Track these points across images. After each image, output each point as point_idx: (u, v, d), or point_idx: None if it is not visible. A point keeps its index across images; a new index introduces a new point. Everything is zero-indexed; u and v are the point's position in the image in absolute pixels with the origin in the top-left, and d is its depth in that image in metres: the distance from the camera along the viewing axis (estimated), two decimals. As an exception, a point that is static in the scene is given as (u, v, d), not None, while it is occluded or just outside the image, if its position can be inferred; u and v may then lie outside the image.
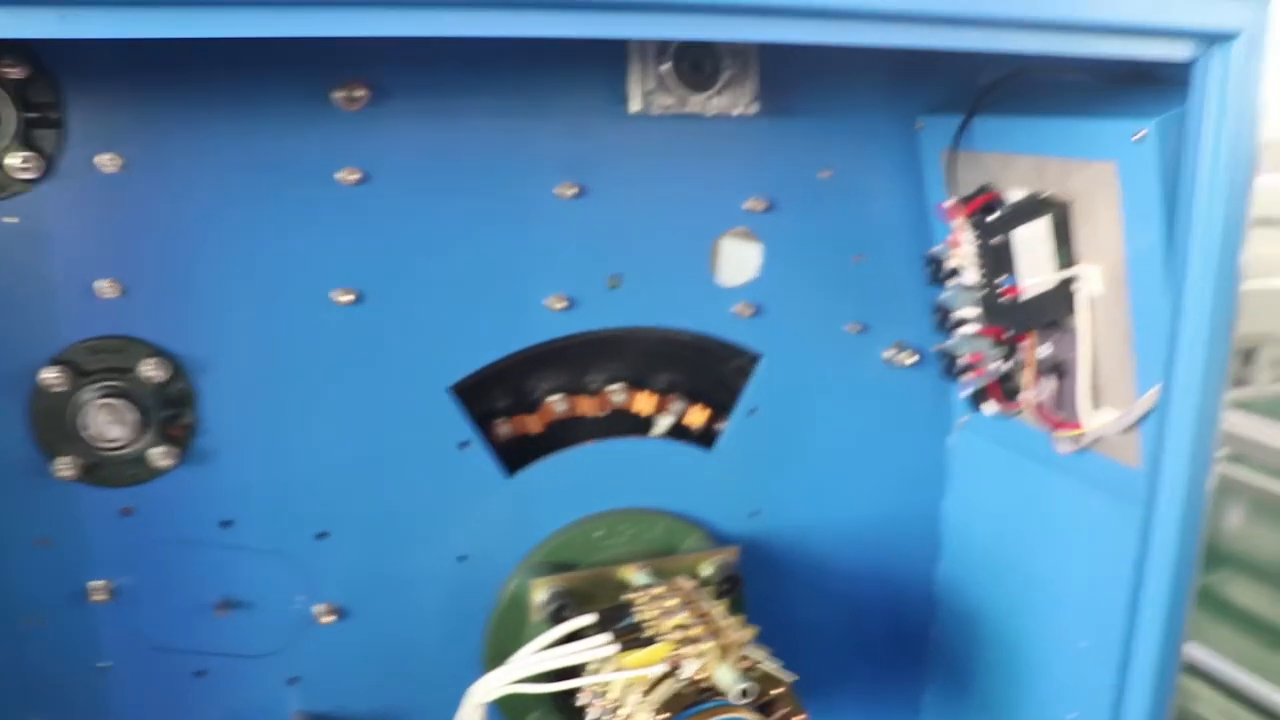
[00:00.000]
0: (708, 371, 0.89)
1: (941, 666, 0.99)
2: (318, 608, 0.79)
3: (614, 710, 0.72)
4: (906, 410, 0.93)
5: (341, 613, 0.79)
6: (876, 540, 0.95)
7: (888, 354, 0.92)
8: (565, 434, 0.85)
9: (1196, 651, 2.03)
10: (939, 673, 0.99)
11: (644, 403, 0.87)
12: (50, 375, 0.70)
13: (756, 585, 0.88)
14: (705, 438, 0.88)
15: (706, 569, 0.83)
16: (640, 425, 0.88)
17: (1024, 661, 0.90)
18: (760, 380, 0.88)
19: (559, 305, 0.80)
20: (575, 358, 0.84)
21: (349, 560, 0.79)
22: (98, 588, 0.75)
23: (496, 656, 0.77)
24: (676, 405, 0.87)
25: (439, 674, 0.82)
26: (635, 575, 0.82)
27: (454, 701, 0.78)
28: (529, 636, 0.78)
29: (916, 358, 0.91)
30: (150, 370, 0.71)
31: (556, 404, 0.85)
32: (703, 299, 0.85)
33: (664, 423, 0.88)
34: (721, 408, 0.88)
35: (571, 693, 0.80)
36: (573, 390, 0.86)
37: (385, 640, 0.81)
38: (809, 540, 0.92)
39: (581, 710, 0.80)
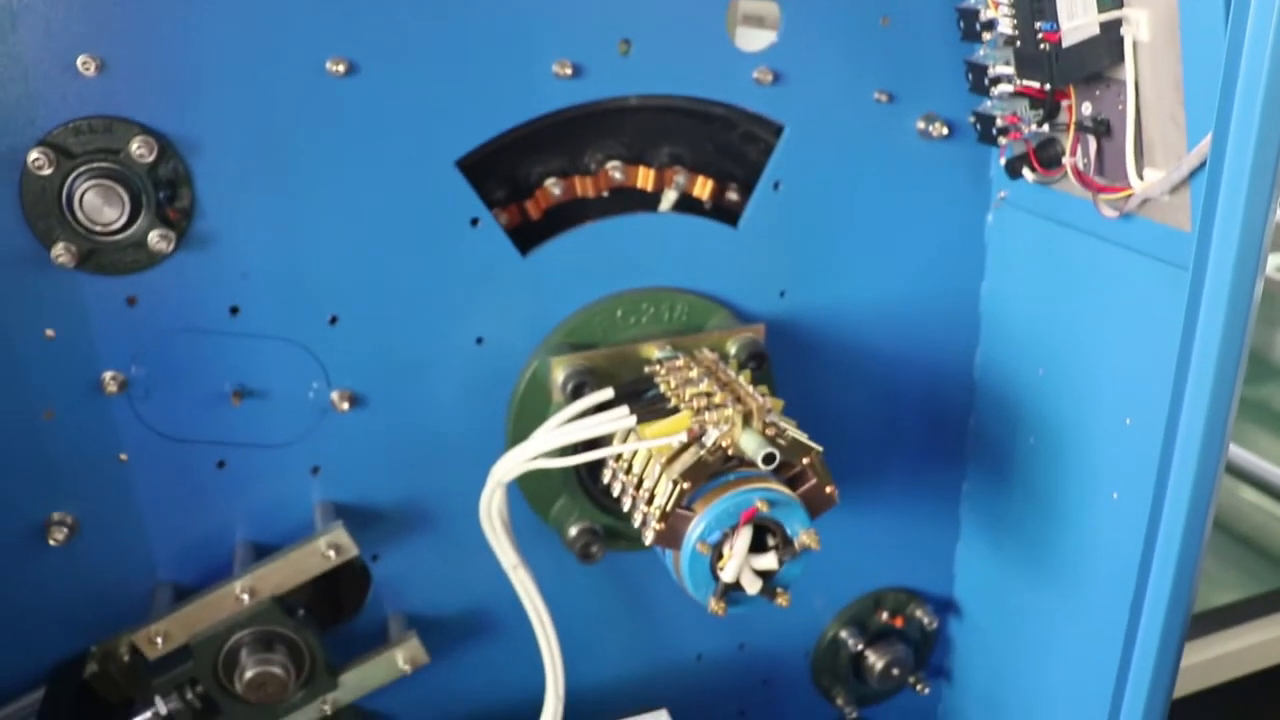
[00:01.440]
0: (714, 144, 0.84)
1: (981, 452, 0.96)
2: (334, 395, 0.77)
3: (638, 484, 0.70)
4: (941, 186, 0.89)
5: (359, 400, 0.78)
6: (912, 324, 0.92)
7: (920, 125, 0.86)
8: (567, 219, 0.81)
9: (1242, 455, 2.01)
10: (979, 459, 0.97)
11: (646, 178, 0.83)
12: (36, 157, 0.67)
13: (786, 369, 0.86)
14: (719, 213, 0.84)
15: (731, 346, 0.80)
16: (647, 203, 0.84)
17: (1066, 442, 0.87)
18: (784, 152, 0.83)
19: (565, 72, 0.76)
20: (571, 136, 0.81)
21: (363, 345, 0.77)
22: (109, 379, 0.73)
23: (519, 440, 0.75)
24: (679, 179, 0.83)
25: (462, 459, 0.81)
26: (657, 353, 0.79)
27: (475, 487, 0.77)
28: (551, 416, 0.76)
29: (948, 130, 0.86)
30: (139, 149, 0.68)
31: (553, 187, 0.81)
32: (719, 65, 0.80)
33: (670, 197, 0.84)
34: (730, 179, 0.84)
35: (599, 476, 0.79)
36: (569, 172, 0.82)
37: (405, 426, 0.80)
38: (841, 323, 0.89)
39: (609, 492, 0.78)
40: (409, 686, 0.85)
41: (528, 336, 0.80)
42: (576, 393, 0.76)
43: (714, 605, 0.69)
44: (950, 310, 0.93)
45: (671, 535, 0.68)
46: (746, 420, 0.68)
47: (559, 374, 0.77)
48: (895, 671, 0.99)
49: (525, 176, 0.82)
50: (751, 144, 0.85)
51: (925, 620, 1.00)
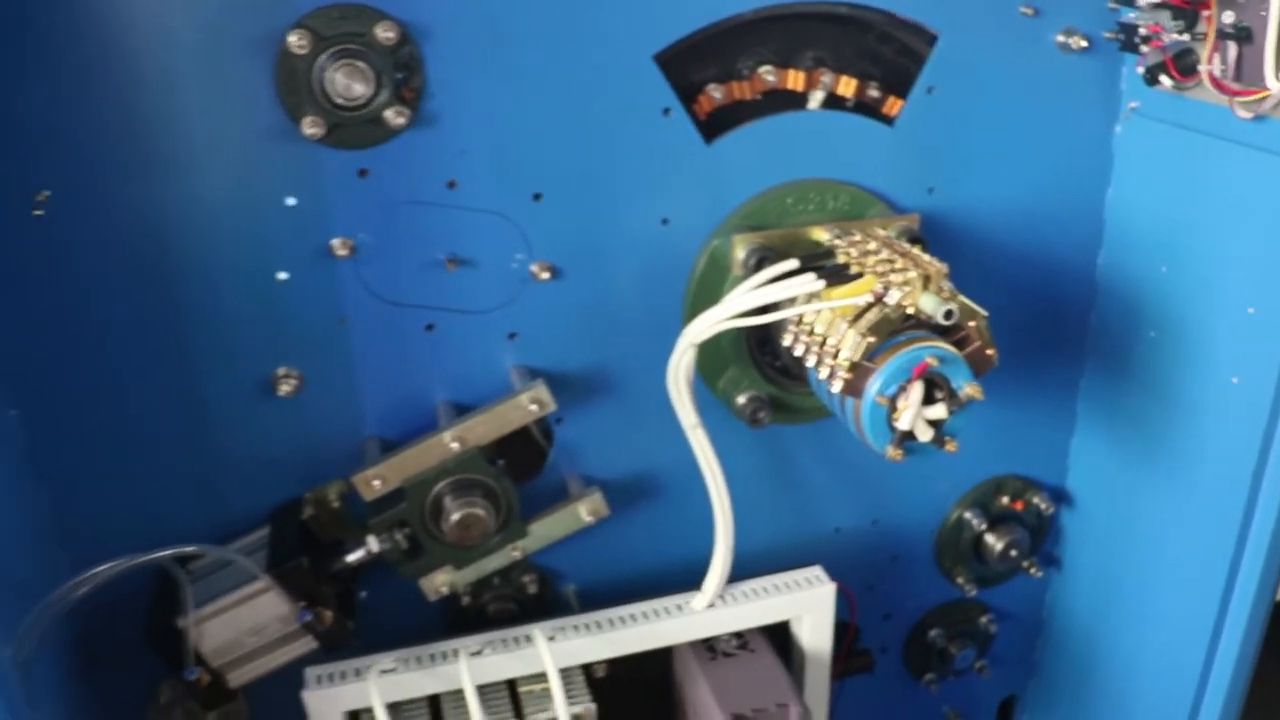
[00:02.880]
0: (854, 47, 0.91)
1: (1101, 348, 1.03)
2: (535, 266, 0.85)
3: (821, 342, 0.78)
4: (1075, 97, 0.96)
5: (556, 271, 0.86)
6: (1039, 227, 0.99)
7: (1059, 38, 0.93)
8: (726, 121, 0.89)
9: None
10: (1098, 354, 1.03)
11: (796, 80, 0.90)
12: (295, 38, 0.75)
13: (930, 260, 0.93)
14: (861, 110, 0.91)
15: (891, 231, 0.87)
16: (795, 103, 0.91)
17: (1188, 333, 0.93)
18: (938, 59, 0.90)
19: (751, -26, 0.83)
20: (728, 44, 0.87)
21: (563, 221, 0.85)
22: (339, 244, 0.81)
23: (696, 313, 0.83)
24: (825, 79, 0.90)
25: (641, 331, 0.89)
26: (825, 235, 0.87)
27: (653, 357, 0.86)
28: (728, 292, 0.84)
29: (1087, 44, 0.93)
30: (384, 33, 0.76)
31: (714, 91, 0.88)
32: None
33: (818, 96, 0.91)
34: (868, 79, 0.91)
35: (769, 350, 0.87)
36: (724, 78, 0.89)
37: (594, 298, 0.88)
38: (977, 222, 0.96)
39: (775, 365, 0.86)
40: (578, 544, 0.93)
41: (707, 219, 0.88)
42: (758, 266, 0.84)
43: (891, 452, 0.77)
44: (1075, 214, 1.00)
45: (856, 385, 0.75)
46: (926, 283, 0.76)
47: (740, 250, 0.85)
48: (1013, 553, 1.07)
49: (688, 82, 0.88)
50: (887, 44, 0.92)
51: (1042, 506, 1.07)
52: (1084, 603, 1.13)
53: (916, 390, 0.75)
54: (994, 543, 1.07)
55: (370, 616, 0.91)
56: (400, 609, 0.93)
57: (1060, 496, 1.10)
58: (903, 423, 0.76)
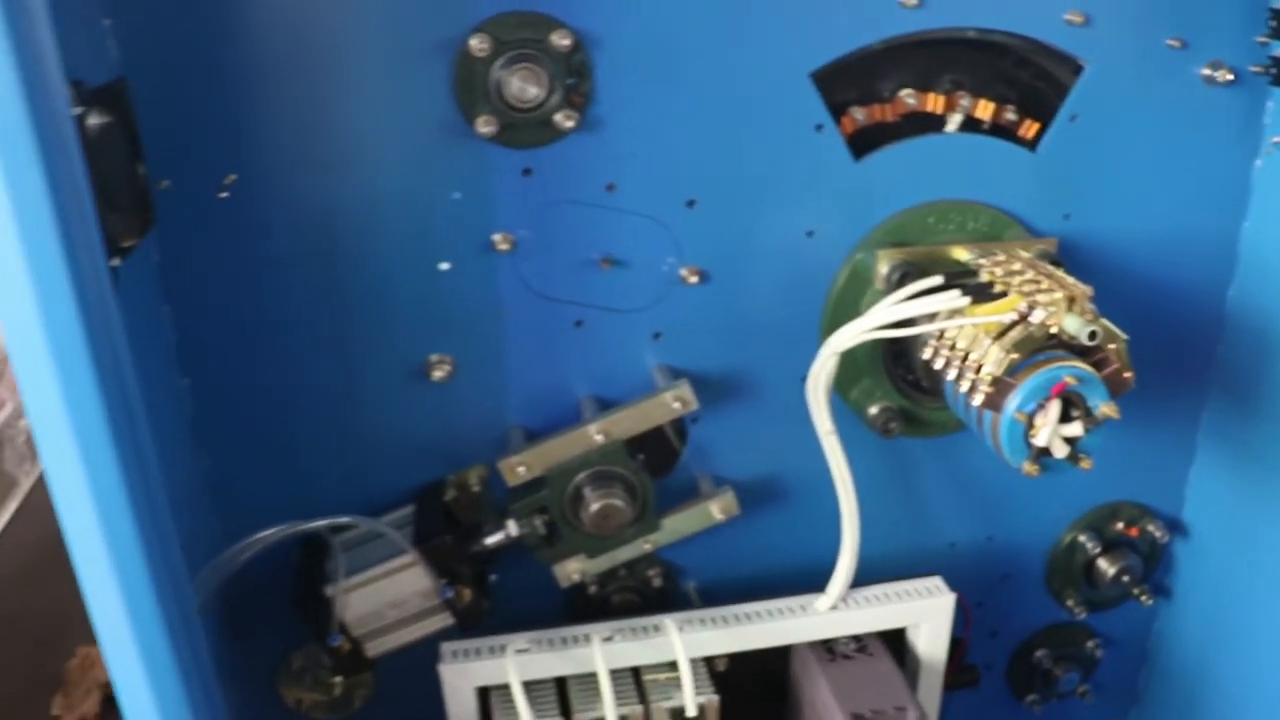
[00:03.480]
0: (992, 70, 0.94)
1: (1227, 380, 1.03)
2: (684, 270, 0.89)
3: (963, 357, 0.80)
4: (1217, 129, 0.97)
5: (704, 275, 0.89)
6: (1174, 255, 1.00)
7: (1205, 71, 0.95)
8: (865, 141, 0.91)
9: None
10: (1224, 386, 1.04)
11: (935, 103, 0.92)
12: (476, 42, 0.79)
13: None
14: (997, 133, 0.93)
15: (1030, 255, 0.89)
16: (932, 125, 0.93)
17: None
18: (1083, 88, 0.92)
19: (911, 2, 0.86)
20: (866, 68, 0.90)
21: (713, 227, 0.88)
22: (500, 239, 0.85)
23: (834, 326, 0.86)
24: (964, 102, 0.92)
25: (779, 339, 0.92)
26: (966, 255, 0.89)
27: (789, 365, 0.89)
28: (868, 306, 0.87)
29: (1233, 77, 0.94)
30: (559, 40, 0.80)
31: (855, 112, 0.91)
32: (1037, 5, 0.89)
33: (956, 119, 0.93)
34: (1005, 102, 0.93)
35: (902, 364, 0.89)
36: (867, 100, 0.92)
37: (737, 304, 0.91)
38: (1111, 247, 0.98)
39: (908, 379, 0.89)
40: (703, 542, 0.97)
41: (851, 233, 0.91)
42: (901, 281, 0.86)
43: (1028, 467, 0.79)
44: (1209, 246, 1.00)
45: (996, 400, 0.78)
46: (1071, 304, 0.78)
47: (884, 265, 0.88)
48: (1125, 579, 1.08)
49: (834, 102, 0.91)
50: (1024, 69, 0.94)
51: (1157, 534, 1.08)
52: (1193, 635, 1.13)
53: (1054, 408, 0.77)
54: (1106, 567, 1.08)
55: (499, 600, 0.95)
56: (528, 594, 0.97)
57: (1175, 526, 1.11)
58: (1040, 439, 0.78)
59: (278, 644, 0.98)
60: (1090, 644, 1.16)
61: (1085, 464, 0.79)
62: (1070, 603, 1.11)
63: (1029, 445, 0.79)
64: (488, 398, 0.91)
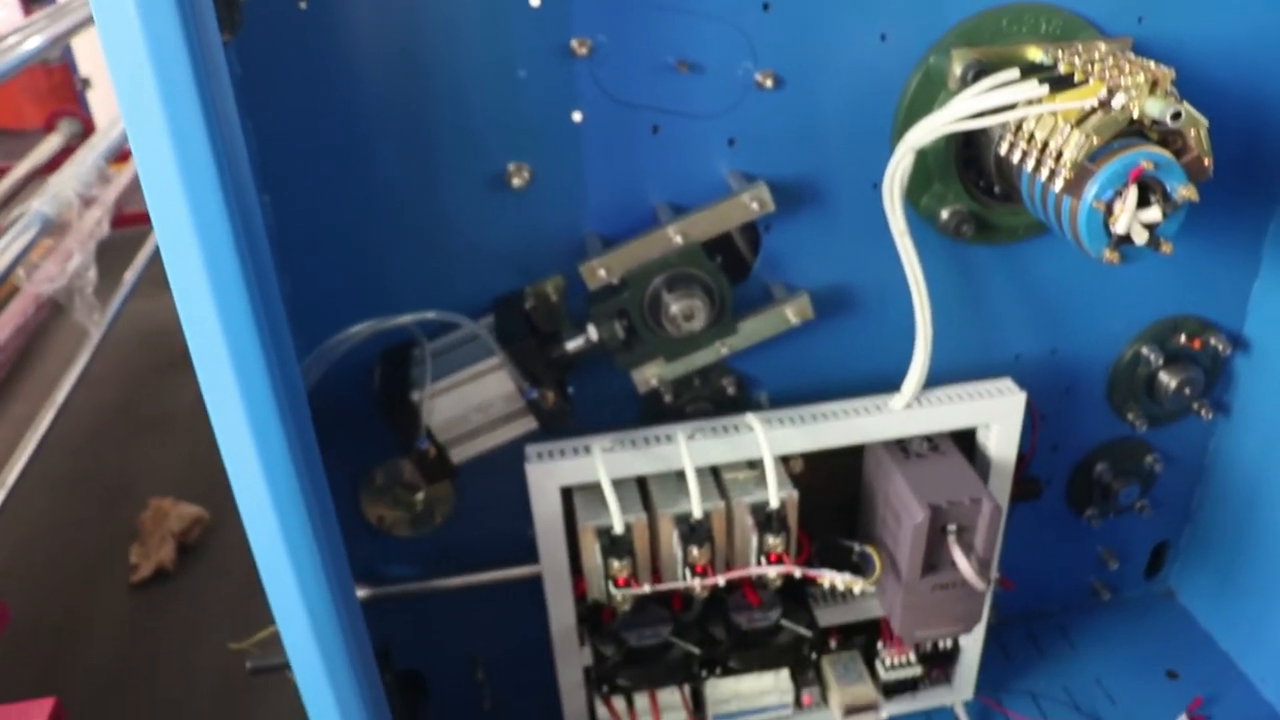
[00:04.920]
0: None
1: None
2: (758, 75, 0.89)
3: (1042, 147, 0.81)
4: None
5: (778, 80, 0.90)
6: (1249, 65, 0.97)
7: None
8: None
9: None
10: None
11: None
12: None
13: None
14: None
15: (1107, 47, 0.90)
16: None
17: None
18: None
19: None
20: None
21: (787, 31, 0.88)
22: (578, 44, 0.86)
23: (906, 127, 0.87)
24: None
25: (853, 146, 0.93)
26: (1041, 54, 0.89)
27: (861, 171, 0.91)
28: (940, 106, 0.87)
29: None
30: None
31: None
32: None
33: None
34: None
35: (974, 168, 0.90)
36: None
37: (811, 108, 0.91)
38: (1185, 53, 0.94)
39: (979, 183, 0.90)
40: (775, 352, 0.99)
41: (924, 36, 0.90)
42: (975, 79, 0.87)
43: (1108, 255, 0.80)
44: (1280, 53, 1.00)
45: (1076, 185, 0.79)
46: (1153, 86, 0.78)
47: (958, 65, 0.88)
48: (1187, 391, 1.10)
49: None
50: None
51: (1220, 347, 1.10)
52: (1249, 452, 1.16)
53: (1132, 194, 0.78)
54: (1168, 380, 1.10)
55: (577, 411, 0.97)
56: (606, 403, 1.00)
57: (1237, 341, 1.12)
58: (1119, 226, 0.79)
59: (359, 460, 1.02)
60: (1149, 459, 1.18)
61: (1165, 248, 0.80)
62: (1131, 416, 1.13)
63: (1108, 233, 0.80)
64: (565, 205, 0.92)
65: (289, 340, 0.67)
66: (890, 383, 0.98)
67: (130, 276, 2.23)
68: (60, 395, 1.84)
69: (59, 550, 1.81)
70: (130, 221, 2.25)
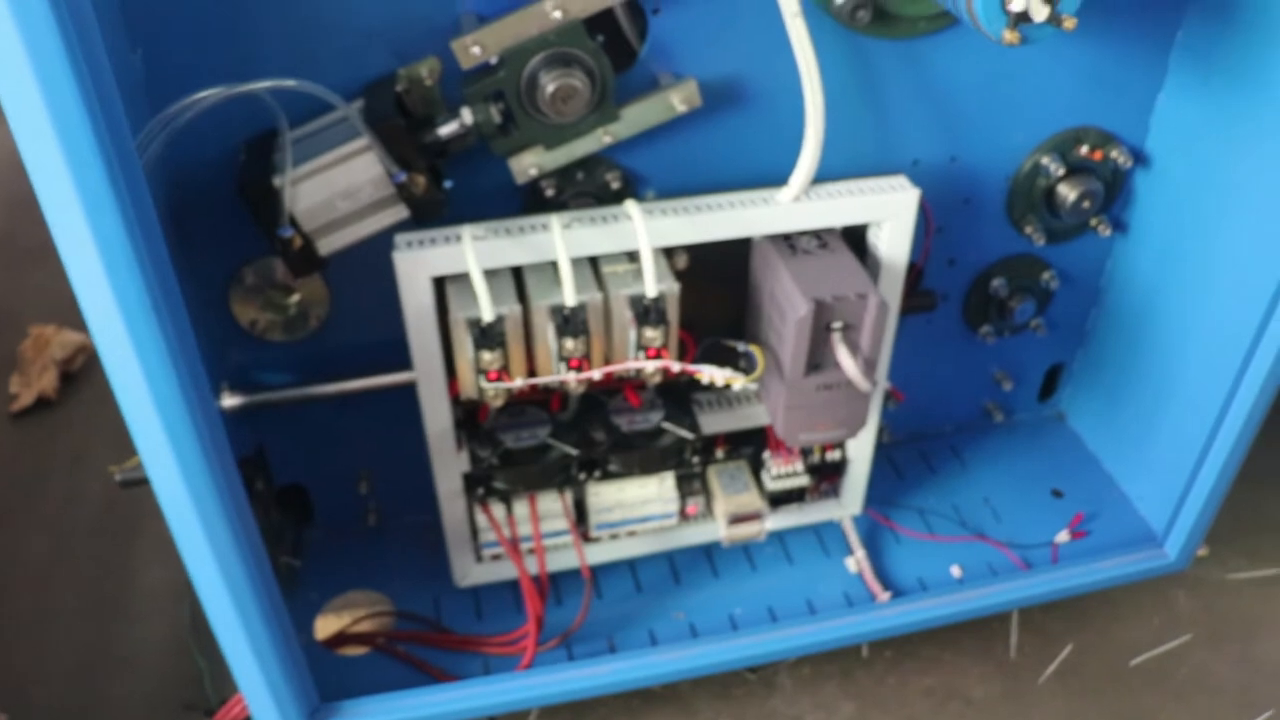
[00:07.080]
0: None
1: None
2: None
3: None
4: None
5: None
6: None
7: None
8: None
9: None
10: (1200, 4, 1.00)
11: None
12: None
13: None
14: None
15: None
16: None
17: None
18: None
19: None
20: None
21: None
22: None
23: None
24: None
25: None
26: None
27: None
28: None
29: None
30: None
31: None
32: None
33: None
34: None
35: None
36: None
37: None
38: None
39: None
40: (661, 147, 0.95)
41: None
42: None
43: (1008, 36, 0.76)
44: None
45: (971, -44, 0.74)
46: None
47: None
48: (1086, 204, 1.07)
49: None
50: None
51: (1120, 160, 1.07)
52: (1144, 271, 1.14)
53: (1029, -34, 0.74)
54: (1067, 192, 1.07)
55: (453, 203, 0.92)
56: (485, 198, 0.95)
57: (1139, 156, 1.10)
58: (1015, 3, 0.75)
59: (231, 260, 0.97)
60: (1046, 275, 1.16)
61: (1068, 23, 0.76)
62: (1030, 230, 1.11)
63: (1006, 11, 0.76)
64: (451, -21, 0.86)
65: (123, 120, 0.62)
66: (782, 183, 0.94)
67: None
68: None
69: (-66, 379, 1.73)
70: None
